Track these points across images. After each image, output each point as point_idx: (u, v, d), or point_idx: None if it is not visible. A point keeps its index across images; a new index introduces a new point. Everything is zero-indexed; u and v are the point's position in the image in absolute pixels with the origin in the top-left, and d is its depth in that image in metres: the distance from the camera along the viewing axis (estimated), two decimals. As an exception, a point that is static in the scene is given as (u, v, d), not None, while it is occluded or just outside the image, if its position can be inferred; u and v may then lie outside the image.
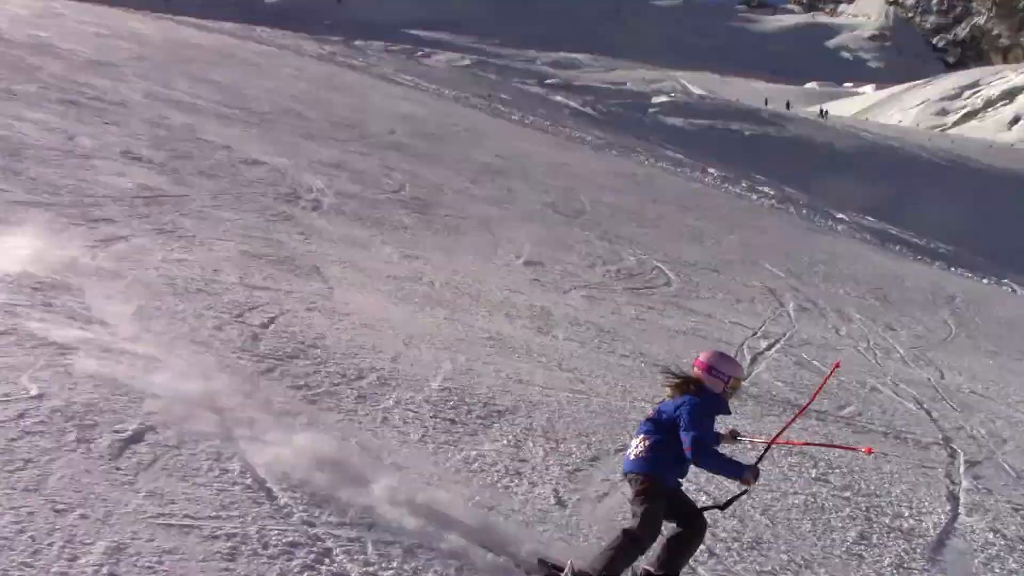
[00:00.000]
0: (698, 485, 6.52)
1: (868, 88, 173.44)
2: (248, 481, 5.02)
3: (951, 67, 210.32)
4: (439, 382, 7.53)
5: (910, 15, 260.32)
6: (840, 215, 32.78)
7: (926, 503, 7.62)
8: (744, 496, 5.07)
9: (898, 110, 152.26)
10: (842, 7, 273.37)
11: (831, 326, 14.02)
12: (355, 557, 4.53)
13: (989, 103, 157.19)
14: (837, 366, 6.21)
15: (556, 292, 12.19)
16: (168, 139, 15.20)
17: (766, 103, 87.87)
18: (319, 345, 7.62)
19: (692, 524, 4.89)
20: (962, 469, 8.67)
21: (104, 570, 4.01)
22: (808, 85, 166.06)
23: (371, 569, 4.47)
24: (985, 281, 25.44)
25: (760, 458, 4.99)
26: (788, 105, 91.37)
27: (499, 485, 5.96)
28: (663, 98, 66.78)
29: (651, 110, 60.54)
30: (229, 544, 4.41)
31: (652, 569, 4.82)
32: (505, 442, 6.68)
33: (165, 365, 6.24)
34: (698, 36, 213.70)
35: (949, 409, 10.71)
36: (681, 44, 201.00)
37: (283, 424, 5.81)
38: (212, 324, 7.49)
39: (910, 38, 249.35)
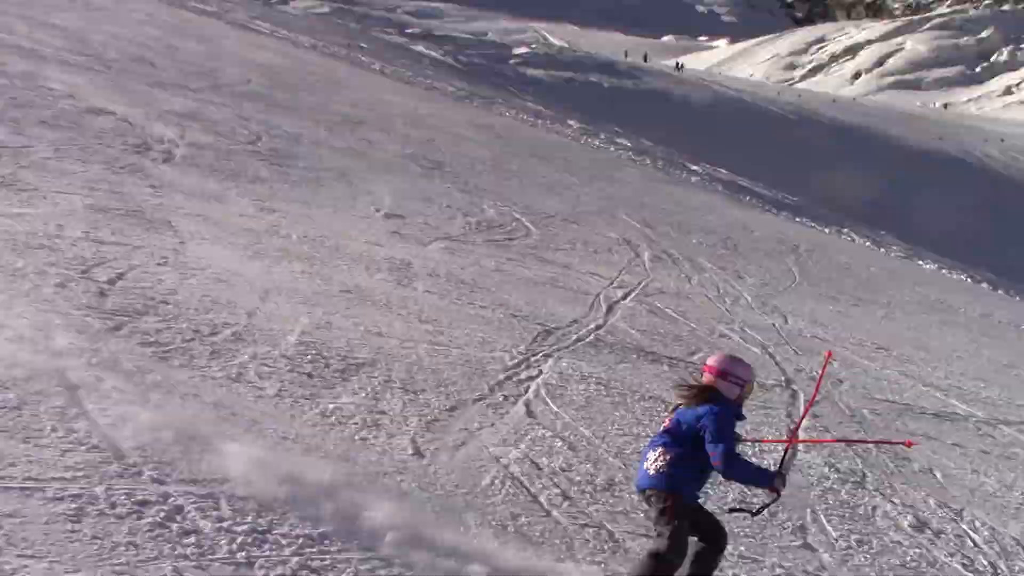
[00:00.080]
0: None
1: (722, 42, 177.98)
2: (94, 441, 4.90)
3: (800, 23, 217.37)
4: (296, 336, 7.46)
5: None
6: (694, 167, 33.72)
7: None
8: (773, 504, 4.88)
9: (750, 64, 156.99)
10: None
11: (684, 275, 14.48)
12: (208, 513, 4.49)
13: (834, 58, 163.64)
14: (829, 355, 6.32)
15: (416, 244, 12.19)
16: (6, 87, 14.36)
17: (625, 55, 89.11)
18: (170, 301, 7.43)
19: (715, 539, 4.76)
20: (802, 409, 9.16)
21: (-60, 537, 3.87)
22: (665, 38, 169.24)
23: (225, 524, 4.44)
24: (826, 230, 26.70)
25: (782, 462, 4.78)
26: (646, 58, 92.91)
27: (356, 438, 5.98)
28: (524, 49, 66.86)
29: (512, 61, 60.51)
30: (75, 505, 4.31)
31: None
32: (363, 395, 6.69)
33: (5, 324, 5.99)
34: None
35: (791, 352, 11.27)
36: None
37: (132, 382, 5.67)
38: (55, 281, 7.20)
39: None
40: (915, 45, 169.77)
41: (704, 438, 4.54)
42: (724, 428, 4.55)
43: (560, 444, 6.74)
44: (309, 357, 7.10)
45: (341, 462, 5.52)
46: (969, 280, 25.58)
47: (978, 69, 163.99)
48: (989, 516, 7.58)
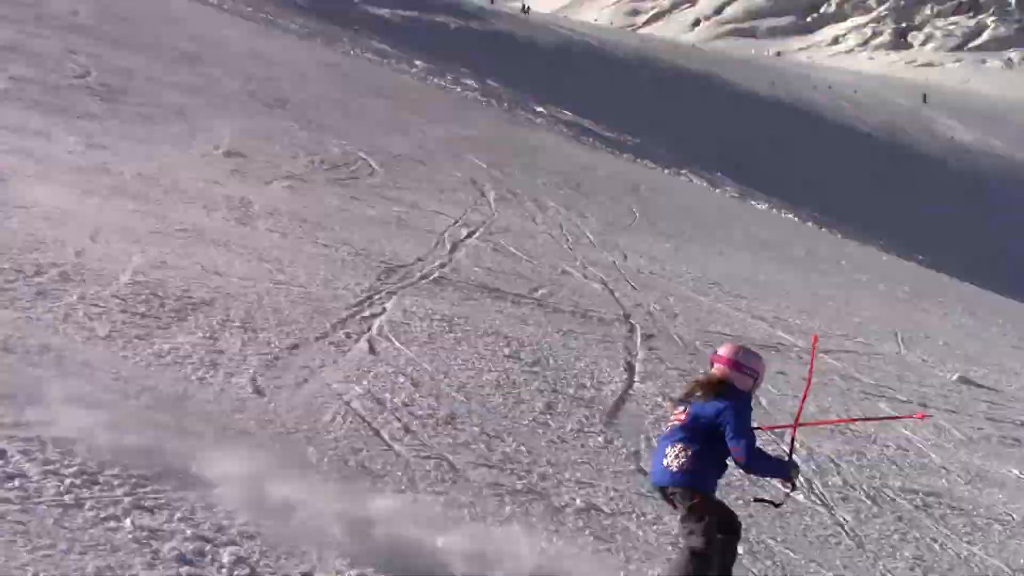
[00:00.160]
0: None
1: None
2: (-92, 386, 4.65)
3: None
4: (129, 276, 7.22)
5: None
6: (540, 109, 33.99)
7: (606, 373, 8.31)
8: (793, 492, 5.05)
9: (595, 9, 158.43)
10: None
11: (528, 214, 14.68)
12: (33, 456, 4.32)
13: (675, 5, 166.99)
14: (816, 339, 6.68)
15: (257, 183, 11.91)
16: None
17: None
18: (-10, 241, 7.06)
19: (733, 529, 4.71)
20: (639, 342, 9.51)
21: None
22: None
23: (52, 467, 4.29)
24: (666, 172, 27.49)
25: (791, 451, 4.87)
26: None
27: (193, 377, 5.87)
28: (369, -13, 65.32)
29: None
30: None
31: None
32: (200, 335, 6.56)
33: None
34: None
35: (630, 288, 11.64)
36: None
37: (-52, 325, 5.39)
38: None
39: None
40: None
41: (724, 433, 4.57)
42: (745, 422, 4.59)
43: (403, 380, 6.79)
44: (143, 297, 6.89)
45: (177, 401, 5.42)
46: (796, 219, 26.88)
47: (808, 20, 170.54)
48: (806, 437, 8.08)
